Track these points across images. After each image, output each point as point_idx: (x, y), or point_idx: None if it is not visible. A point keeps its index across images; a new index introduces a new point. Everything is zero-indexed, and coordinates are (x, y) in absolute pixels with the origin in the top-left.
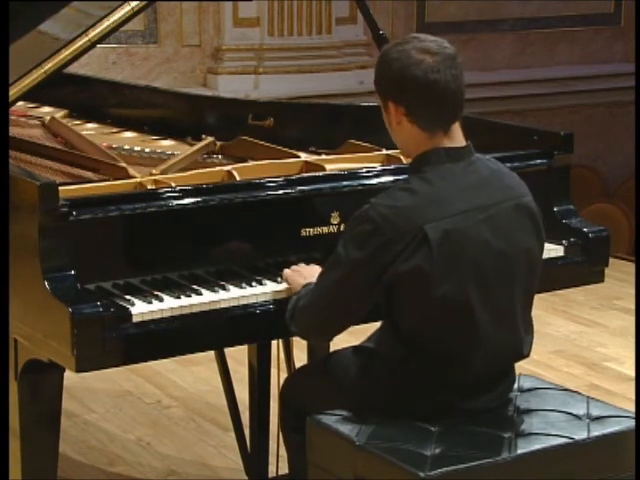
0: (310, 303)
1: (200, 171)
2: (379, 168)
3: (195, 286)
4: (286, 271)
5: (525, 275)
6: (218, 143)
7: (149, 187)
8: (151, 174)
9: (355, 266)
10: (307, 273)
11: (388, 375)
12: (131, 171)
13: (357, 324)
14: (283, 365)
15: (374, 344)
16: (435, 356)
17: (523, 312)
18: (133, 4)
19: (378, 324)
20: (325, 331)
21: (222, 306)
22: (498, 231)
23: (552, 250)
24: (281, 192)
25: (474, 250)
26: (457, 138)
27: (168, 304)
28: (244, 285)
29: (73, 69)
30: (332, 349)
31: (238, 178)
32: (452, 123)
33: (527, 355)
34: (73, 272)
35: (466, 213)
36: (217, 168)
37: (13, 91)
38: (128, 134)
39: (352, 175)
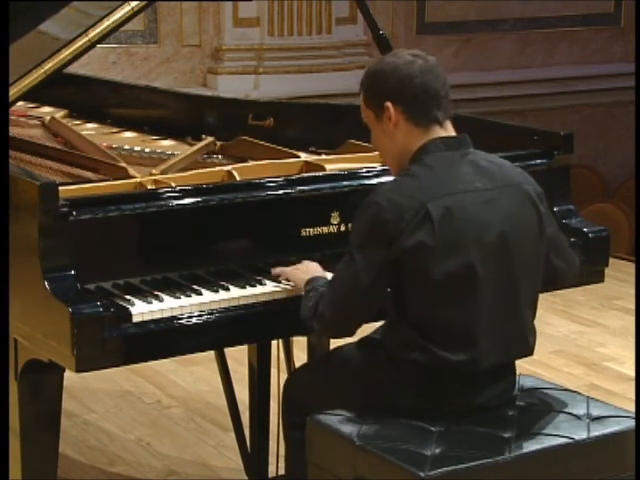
0: (335, 297)
1: (200, 171)
2: (379, 168)
3: (195, 286)
4: (283, 269)
5: (529, 260)
6: (218, 143)
7: (149, 187)
8: (151, 174)
9: (366, 249)
10: (306, 269)
11: (390, 362)
12: (131, 171)
13: (374, 318)
14: (283, 365)
15: (379, 334)
16: (439, 340)
17: (529, 304)
18: (133, 4)
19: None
20: (349, 324)
21: (222, 306)
22: (499, 214)
23: None
24: (281, 192)
25: (476, 229)
26: (451, 131)
27: (168, 304)
28: (244, 285)
29: (73, 69)
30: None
31: (238, 178)
32: (445, 119)
33: (531, 353)
34: (73, 272)
35: (466, 193)
36: (217, 168)
37: (13, 91)
38: (128, 134)
39: (352, 175)
